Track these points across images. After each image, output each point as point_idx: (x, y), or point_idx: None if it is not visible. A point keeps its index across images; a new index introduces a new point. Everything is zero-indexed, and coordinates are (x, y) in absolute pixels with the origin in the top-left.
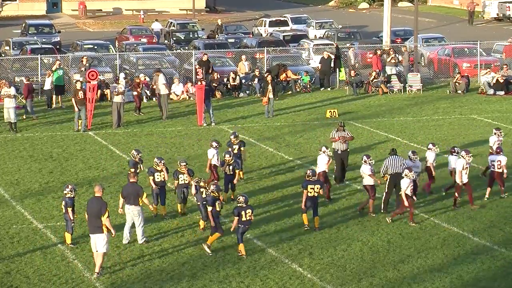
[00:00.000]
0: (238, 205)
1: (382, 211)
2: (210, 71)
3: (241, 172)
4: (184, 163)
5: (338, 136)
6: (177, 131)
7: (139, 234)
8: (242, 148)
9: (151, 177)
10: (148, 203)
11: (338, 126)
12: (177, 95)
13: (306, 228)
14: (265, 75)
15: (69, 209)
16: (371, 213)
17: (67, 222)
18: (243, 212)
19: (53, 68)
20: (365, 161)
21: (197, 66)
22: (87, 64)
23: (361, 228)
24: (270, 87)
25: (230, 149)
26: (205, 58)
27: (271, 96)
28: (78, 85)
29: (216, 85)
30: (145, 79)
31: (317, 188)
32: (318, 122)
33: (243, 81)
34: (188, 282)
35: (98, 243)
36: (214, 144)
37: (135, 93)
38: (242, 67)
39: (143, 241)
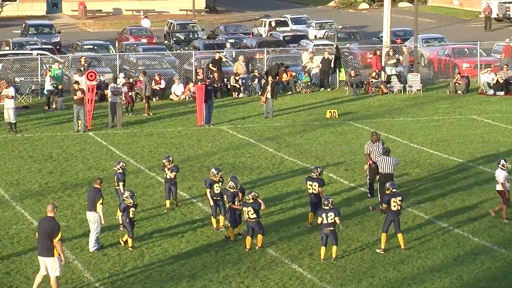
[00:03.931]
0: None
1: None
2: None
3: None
4: (234, 183)
5: (370, 150)
6: (177, 131)
7: (92, 241)
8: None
9: (208, 190)
10: (101, 214)
11: (372, 136)
12: (177, 96)
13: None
14: (265, 76)
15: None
16: (504, 219)
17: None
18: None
19: (55, 66)
20: (503, 165)
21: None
22: (85, 64)
23: (361, 228)
24: (269, 87)
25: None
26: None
27: (269, 96)
28: (77, 86)
29: (216, 85)
30: None
31: (315, 186)
32: (318, 122)
33: (243, 81)
34: (188, 282)
35: (50, 266)
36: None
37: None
38: (240, 68)
39: (95, 249)
